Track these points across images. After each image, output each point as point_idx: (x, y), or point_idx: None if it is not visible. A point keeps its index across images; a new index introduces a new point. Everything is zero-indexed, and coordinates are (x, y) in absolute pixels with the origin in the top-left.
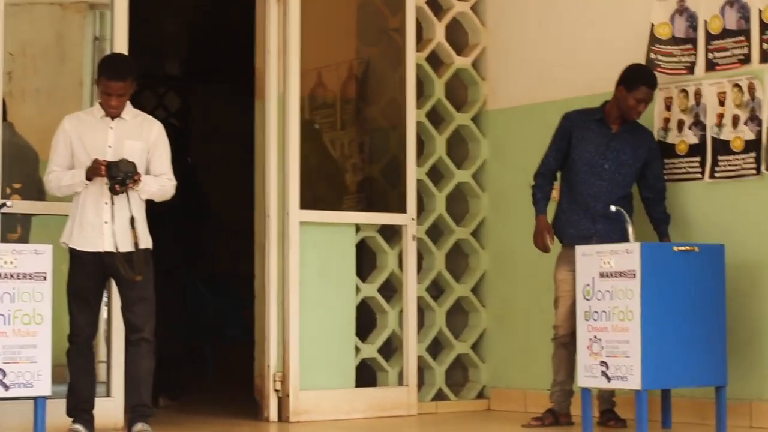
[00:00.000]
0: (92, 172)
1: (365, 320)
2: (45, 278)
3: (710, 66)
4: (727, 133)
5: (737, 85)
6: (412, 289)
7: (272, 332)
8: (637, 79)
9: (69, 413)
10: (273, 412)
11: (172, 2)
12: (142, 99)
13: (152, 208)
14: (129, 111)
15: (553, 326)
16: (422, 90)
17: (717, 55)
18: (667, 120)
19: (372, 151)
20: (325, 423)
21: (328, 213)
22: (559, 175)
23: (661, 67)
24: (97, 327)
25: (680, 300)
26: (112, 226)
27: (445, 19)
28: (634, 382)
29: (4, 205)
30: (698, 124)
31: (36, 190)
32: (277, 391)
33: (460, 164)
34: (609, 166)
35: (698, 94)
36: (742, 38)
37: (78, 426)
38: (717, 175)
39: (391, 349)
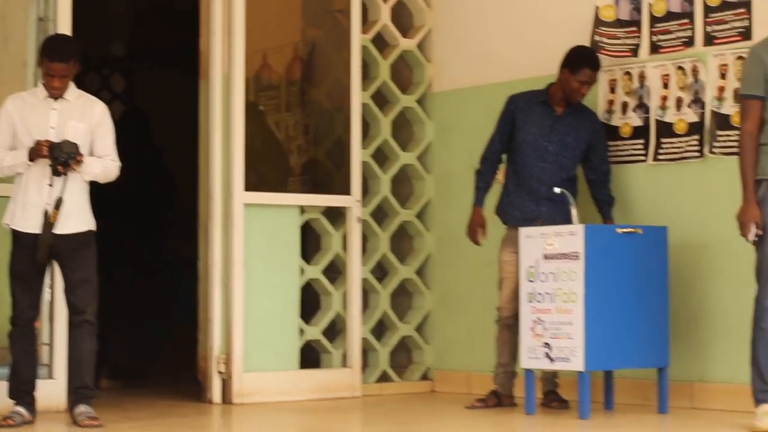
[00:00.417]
0: (35, 153)
1: (309, 302)
2: None
3: (654, 49)
4: (670, 116)
5: (681, 68)
6: (356, 271)
7: (216, 314)
8: (581, 62)
9: (11, 395)
10: (217, 394)
11: None
12: (87, 80)
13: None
14: (72, 92)
15: (497, 308)
16: (367, 72)
17: (661, 37)
18: (611, 102)
19: (317, 133)
20: (268, 405)
21: (272, 195)
22: (505, 157)
23: (606, 49)
24: (39, 309)
25: (623, 282)
26: (44, 207)
27: (390, 0)
28: (577, 364)
29: None
30: (642, 107)
31: None
32: (220, 373)
33: (405, 146)
34: (553, 149)
35: (642, 77)
36: (686, 21)
37: (20, 408)
38: (660, 157)
39: (335, 330)
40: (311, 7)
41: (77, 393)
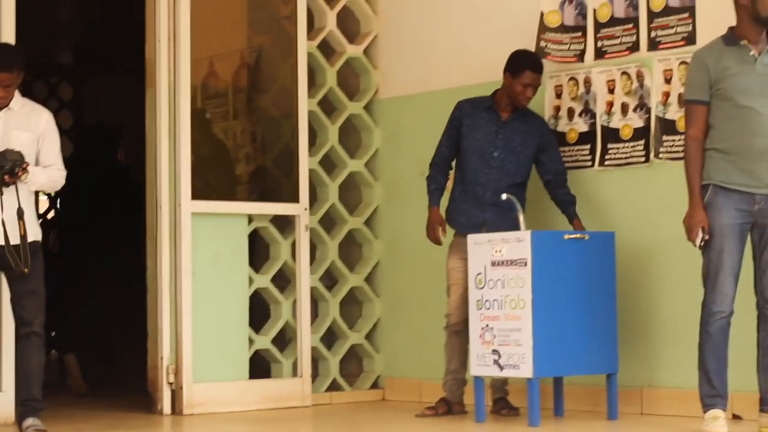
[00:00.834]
0: None
1: (259, 311)
2: None
3: (599, 54)
4: (616, 121)
5: (626, 73)
6: (305, 279)
7: (165, 324)
8: (521, 65)
9: None
10: (166, 405)
11: None
12: (34, 89)
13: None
14: (17, 101)
15: (446, 315)
16: (314, 79)
17: (606, 43)
18: (557, 108)
19: (264, 141)
20: (218, 415)
21: (220, 203)
22: (454, 163)
23: (551, 55)
24: None
25: (571, 288)
26: (1, 217)
27: (336, 7)
28: (526, 371)
29: None
30: (588, 112)
31: None
32: (170, 383)
33: (353, 153)
34: (498, 154)
35: (588, 82)
36: (630, 26)
37: None
38: (607, 162)
39: (284, 340)
40: (257, 14)
41: (25, 405)
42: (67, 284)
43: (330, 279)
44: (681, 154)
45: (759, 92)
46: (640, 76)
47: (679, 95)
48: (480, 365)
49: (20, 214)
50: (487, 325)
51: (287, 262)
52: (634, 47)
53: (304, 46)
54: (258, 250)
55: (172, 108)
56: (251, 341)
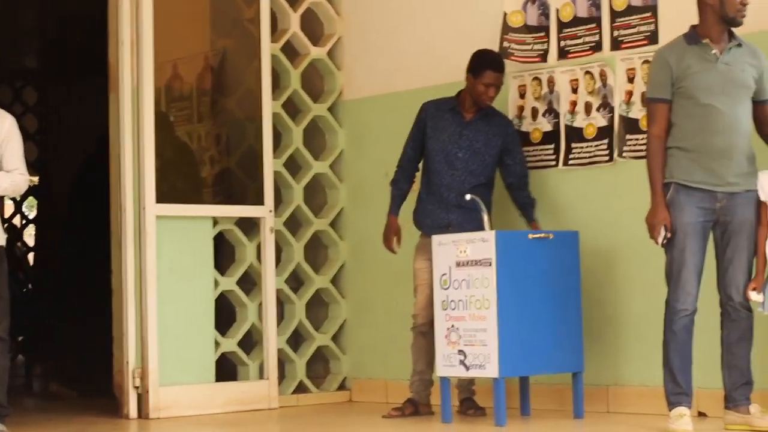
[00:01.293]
0: None
1: (224, 314)
2: None
3: (562, 54)
4: (580, 121)
5: (589, 73)
6: (271, 281)
7: (130, 328)
8: (482, 65)
9: None
10: (133, 409)
11: None
12: None
13: None
14: None
15: (412, 315)
16: (278, 81)
17: (569, 42)
18: (521, 108)
19: (229, 143)
20: (185, 419)
21: (184, 206)
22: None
23: (515, 55)
24: None
25: (536, 287)
26: None
27: (299, 9)
28: (492, 371)
29: None
30: (552, 112)
31: None
32: (136, 387)
33: (318, 155)
34: (463, 155)
35: (551, 82)
36: (593, 26)
37: None
38: (571, 162)
39: (251, 342)
40: (220, 17)
41: None
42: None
43: (296, 281)
44: (644, 153)
45: (720, 90)
46: (603, 76)
47: (642, 94)
48: (446, 366)
49: None
50: (452, 326)
51: (252, 265)
52: (597, 47)
53: (267, 49)
54: (223, 253)
55: (136, 111)
56: (217, 344)
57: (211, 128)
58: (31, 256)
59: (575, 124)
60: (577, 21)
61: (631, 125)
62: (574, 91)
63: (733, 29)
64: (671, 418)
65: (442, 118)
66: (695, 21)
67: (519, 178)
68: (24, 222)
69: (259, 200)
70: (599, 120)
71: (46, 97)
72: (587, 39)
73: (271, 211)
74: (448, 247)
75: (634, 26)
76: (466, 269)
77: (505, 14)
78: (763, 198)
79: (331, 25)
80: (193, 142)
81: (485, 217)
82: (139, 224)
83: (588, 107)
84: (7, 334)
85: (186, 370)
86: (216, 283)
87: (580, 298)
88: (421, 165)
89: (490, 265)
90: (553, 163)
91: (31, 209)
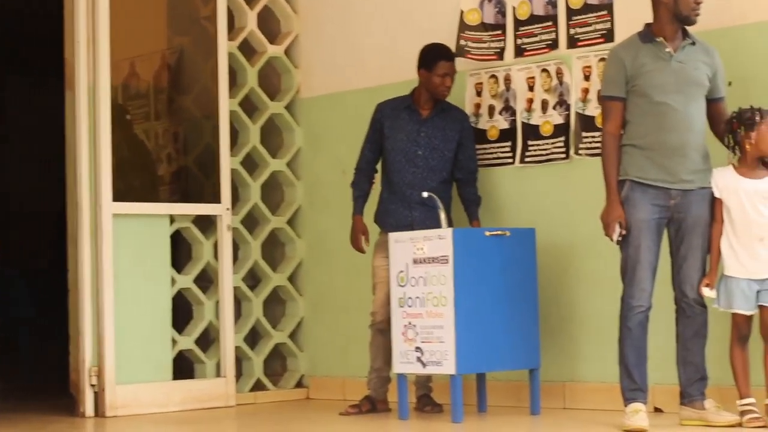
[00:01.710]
0: None
1: (181, 312)
2: None
3: (519, 52)
4: (536, 118)
5: (545, 71)
6: (228, 279)
7: (87, 326)
8: (434, 57)
9: None
10: (89, 407)
11: None
12: None
13: None
14: None
15: (371, 313)
16: (235, 79)
17: (525, 40)
18: (478, 106)
19: (186, 141)
20: (142, 417)
21: (141, 204)
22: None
23: (472, 53)
24: None
25: (493, 284)
26: None
27: (256, 7)
28: (449, 367)
29: None
30: (508, 110)
31: None
32: (93, 385)
33: (275, 153)
34: (422, 152)
35: (508, 80)
36: (549, 24)
37: None
38: (527, 159)
39: (208, 340)
40: (177, 15)
41: None
42: None
43: (253, 278)
44: (599, 151)
45: (674, 89)
46: (559, 73)
47: (598, 92)
48: (403, 363)
49: None
50: (409, 323)
51: (210, 263)
52: (554, 45)
53: (224, 47)
54: (180, 251)
55: (92, 109)
56: (174, 342)
57: (168, 126)
58: None
59: (532, 122)
60: (533, 19)
61: (587, 123)
62: (531, 88)
63: (689, 28)
64: (627, 413)
65: (398, 117)
66: (650, 19)
67: (468, 173)
68: None
69: (216, 198)
70: (555, 118)
71: (3, 95)
72: (544, 37)
73: (228, 209)
74: (405, 244)
75: (591, 24)
76: (423, 266)
77: (462, 12)
78: (717, 194)
79: (288, 23)
80: (150, 140)
81: (442, 215)
82: (95, 222)
83: (544, 105)
84: None
85: (143, 368)
86: (173, 281)
87: (537, 295)
88: (379, 165)
89: (447, 262)
90: (510, 160)
91: None
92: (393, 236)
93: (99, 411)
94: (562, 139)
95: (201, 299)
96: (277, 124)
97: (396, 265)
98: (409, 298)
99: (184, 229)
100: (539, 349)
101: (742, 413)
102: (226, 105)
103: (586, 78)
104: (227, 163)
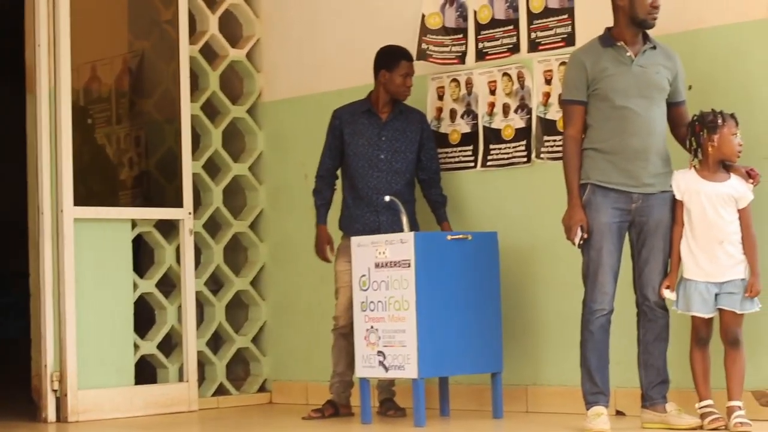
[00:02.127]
0: None
1: (144, 316)
2: None
3: (480, 55)
4: (498, 122)
5: (507, 74)
6: (190, 283)
7: (48, 331)
8: (395, 57)
9: None
10: (51, 413)
11: None
12: None
13: None
14: None
15: (333, 317)
16: (197, 83)
17: (487, 44)
18: (439, 110)
19: (147, 145)
20: (104, 422)
21: (103, 209)
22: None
23: (433, 57)
24: None
25: (455, 288)
26: None
27: (218, 10)
28: (411, 371)
29: None
30: (470, 114)
31: None
32: (54, 390)
33: (237, 157)
34: (385, 156)
35: (469, 84)
36: (510, 28)
37: None
38: (489, 163)
39: (170, 345)
40: (138, 19)
41: None
42: None
43: (215, 283)
44: (561, 154)
45: (636, 93)
46: (520, 77)
47: (560, 96)
48: (365, 367)
49: None
50: (371, 327)
51: (172, 267)
52: (515, 48)
53: (186, 50)
54: (142, 255)
55: (53, 113)
56: (136, 347)
57: (129, 130)
58: None
59: (493, 126)
60: (494, 23)
61: (548, 127)
62: (492, 92)
63: (648, 31)
64: (589, 417)
65: (357, 122)
66: (611, 23)
67: (432, 174)
68: None
69: (178, 202)
70: (517, 121)
71: None
72: (505, 41)
73: (190, 213)
74: (367, 248)
75: (551, 28)
76: (385, 270)
77: (424, 16)
78: (678, 196)
79: (249, 27)
80: (112, 145)
81: (404, 219)
82: (56, 227)
83: (506, 109)
84: None
85: (105, 373)
86: (135, 286)
87: (499, 299)
88: (340, 172)
89: (409, 266)
90: (472, 164)
91: None
92: (355, 240)
93: (61, 416)
94: (524, 142)
95: (163, 304)
96: (239, 128)
97: (358, 269)
98: (372, 302)
99: (146, 234)
100: (502, 352)
101: (702, 416)
102: (187, 109)
103: (548, 82)
104: (189, 167)
